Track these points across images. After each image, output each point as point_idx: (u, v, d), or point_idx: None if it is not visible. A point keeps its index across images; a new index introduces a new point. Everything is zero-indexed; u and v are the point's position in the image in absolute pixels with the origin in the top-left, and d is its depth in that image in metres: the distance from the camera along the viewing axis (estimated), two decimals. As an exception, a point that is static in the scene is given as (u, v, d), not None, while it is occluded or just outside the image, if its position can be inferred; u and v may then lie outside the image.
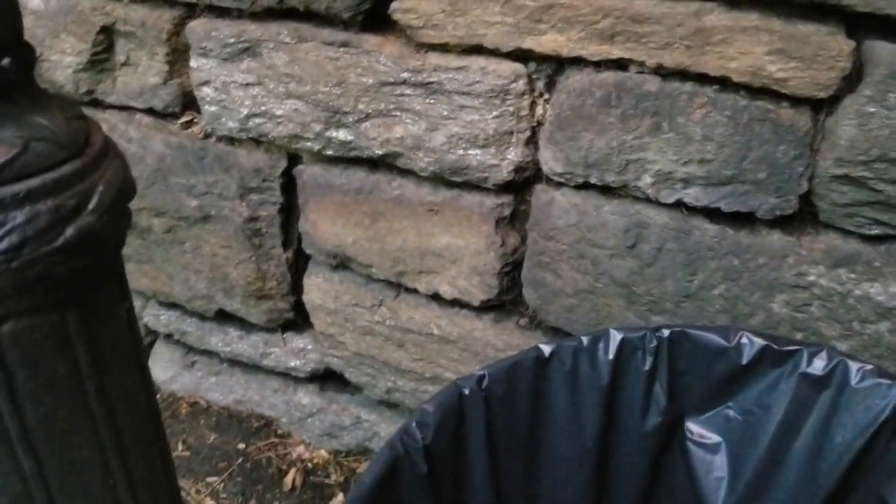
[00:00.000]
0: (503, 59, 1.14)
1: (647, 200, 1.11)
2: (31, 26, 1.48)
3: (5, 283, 0.63)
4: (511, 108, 1.14)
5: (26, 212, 0.62)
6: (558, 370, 0.81)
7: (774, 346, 0.80)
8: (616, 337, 0.83)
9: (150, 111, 1.49)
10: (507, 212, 1.23)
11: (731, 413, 0.82)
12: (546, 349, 0.82)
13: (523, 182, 1.21)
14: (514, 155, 1.17)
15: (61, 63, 1.48)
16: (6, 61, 0.62)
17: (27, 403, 0.69)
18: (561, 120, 1.12)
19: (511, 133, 1.16)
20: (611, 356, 0.82)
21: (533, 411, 0.81)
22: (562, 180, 1.16)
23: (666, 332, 0.82)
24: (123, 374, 0.75)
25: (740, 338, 0.81)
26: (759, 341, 0.80)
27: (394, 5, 1.17)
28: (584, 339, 0.83)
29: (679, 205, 1.10)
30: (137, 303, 1.71)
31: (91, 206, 0.66)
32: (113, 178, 0.69)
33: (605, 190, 1.14)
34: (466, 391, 0.77)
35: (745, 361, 0.80)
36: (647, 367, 0.82)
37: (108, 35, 1.43)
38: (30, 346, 0.67)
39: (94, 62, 1.46)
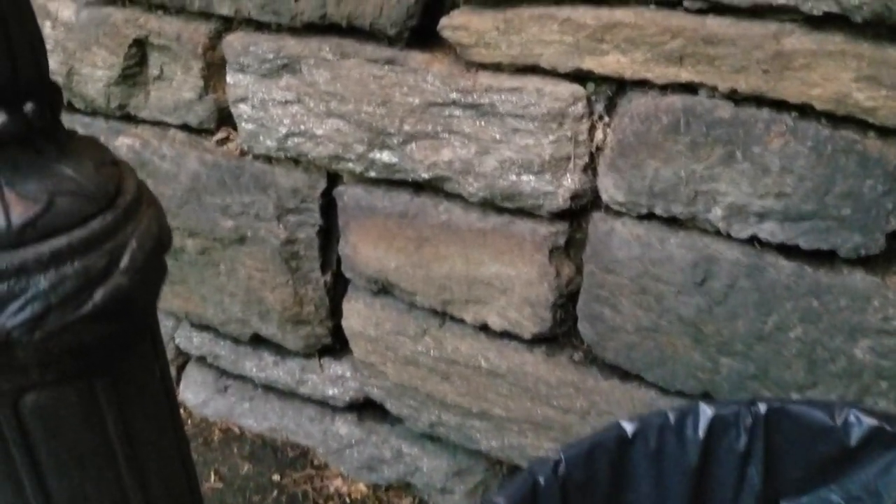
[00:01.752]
0: (560, 80, 1.06)
1: (718, 234, 1.03)
2: (61, 39, 1.43)
3: (27, 355, 0.57)
4: (569, 133, 1.06)
5: (51, 276, 0.56)
6: (642, 451, 0.72)
7: (888, 428, 0.70)
8: (707, 412, 0.74)
9: (184, 127, 1.43)
10: (561, 240, 1.15)
11: (835, 498, 0.73)
12: (629, 427, 0.73)
13: (579, 209, 1.13)
14: (571, 182, 1.09)
15: (92, 76, 1.43)
16: (29, 107, 0.55)
17: (53, 480, 0.63)
18: (623, 146, 1.03)
19: (568, 158, 1.08)
20: (701, 434, 0.73)
21: (614, 497, 0.73)
22: (623, 210, 1.07)
23: (763, 408, 0.74)
24: (157, 442, 0.69)
25: (847, 416, 0.72)
26: (870, 421, 0.71)
27: (443, 22, 1.10)
28: (671, 415, 0.75)
29: (753, 240, 1.01)
30: (169, 323, 1.66)
31: (122, 264, 0.60)
32: (147, 231, 0.63)
33: (671, 222, 1.05)
34: (541, 480, 0.68)
35: (852, 443, 0.71)
36: (741, 447, 0.73)
37: (141, 48, 1.38)
38: (54, 418, 0.61)
39: (126, 76, 1.40)
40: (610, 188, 1.07)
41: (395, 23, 1.13)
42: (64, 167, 0.58)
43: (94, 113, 1.49)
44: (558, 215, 1.13)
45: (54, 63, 1.42)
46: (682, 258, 1.05)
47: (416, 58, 1.15)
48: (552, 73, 1.06)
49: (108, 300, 0.59)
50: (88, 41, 1.40)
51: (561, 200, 1.10)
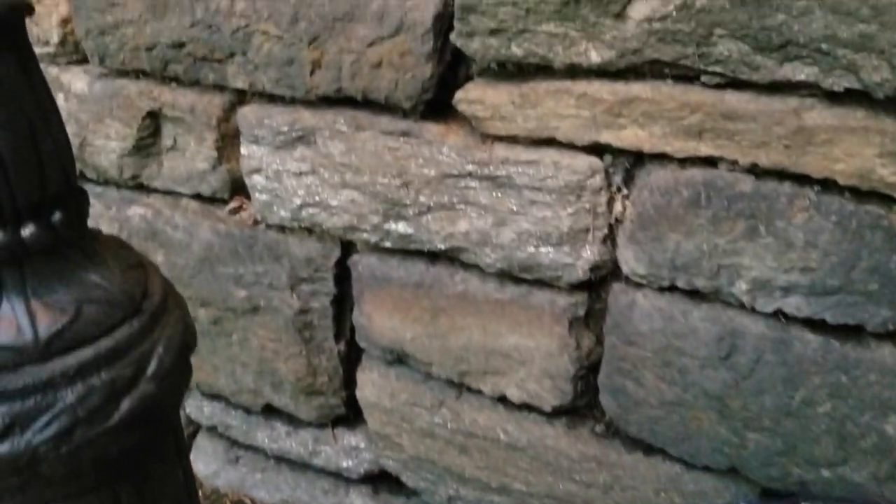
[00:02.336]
0: (577, 153, 1.06)
1: (742, 308, 1.01)
2: (74, 111, 1.43)
3: (53, 469, 0.55)
4: (587, 205, 1.06)
5: (78, 389, 0.55)
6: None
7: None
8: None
9: (196, 196, 1.43)
10: (581, 311, 1.13)
11: None
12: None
13: (599, 280, 1.12)
14: (591, 254, 1.08)
15: (105, 148, 1.43)
16: (57, 216, 0.54)
17: None
18: (644, 219, 1.03)
19: (587, 230, 1.07)
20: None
21: None
22: (644, 282, 1.06)
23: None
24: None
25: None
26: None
27: (458, 95, 1.10)
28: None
29: (778, 314, 1.00)
30: (181, 391, 1.63)
31: (149, 371, 0.58)
32: (173, 334, 0.61)
33: (694, 294, 1.04)
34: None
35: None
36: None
37: (154, 120, 1.38)
38: (79, 530, 0.59)
39: (139, 147, 1.40)
40: (630, 260, 1.06)
41: (411, 96, 1.13)
42: (91, 274, 0.57)
43: (106, 183, 1.49)
44: (577, 286, 1.12)
45: (67, 135, 1.42)
46: (706, 331, 1.03)
47: (432, 130, 1.15)
48: (569, 146, 1.06)
49: (135, 409, 0.57)
50: (102, 113, 1.41)
51: (580, 272, 1.09)
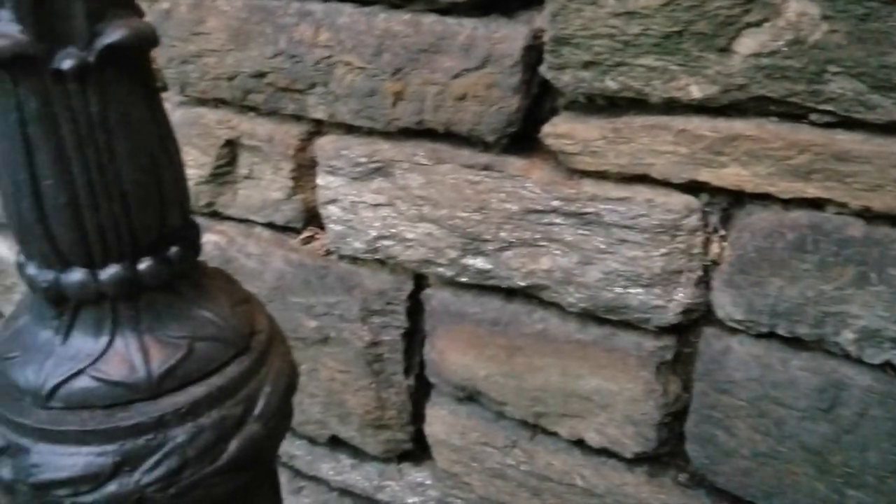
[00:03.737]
0: (671, 191, 1.02)
1: (847, 358, 0.96)
2: (154, 137, 1.44)
3: (158, 513, 0.53)
4: (682, 246, 1.02)
5: (188, 428, 0.52)
6: None
7: None
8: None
9: (270, 225, 1.42)
10: (669, 356, 1.09)
11: None
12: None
13: (689, 323, 1.07)
14: (683, 296, 1.04)
15: (182, 175, 1.43)
16: (174, 251, 0.53)
17: None
18: (744, 262, 0.98)
19: (680, 272, 1.03)
20: None
21: None
22: (740, 327, 1.02)
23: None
24: None
25: None
26: None
27: (545, 129, 1.08)
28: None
29: (886, 366, 0.94)
30: (244, 420, 1.62)
31: (257, 411, 0.56)
32: (279, 372, 0.59)
33: (795, 342, 0.99)
34: None
35: None
36: None
37: (232, 148, 1.38)
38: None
39: (216, 175, 1.41)
40: (727, 305, 1.01)
41: (495, 130, 1.11)
42: (203, 310, 0.55)
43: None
44: (666, 329, 1.08)
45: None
46: (807, 382, 0.98)
47: (515, 164, 1.13)
48: (663, 184, 1.02)
49: (242, 450, 0.55)
50: (180, 141, 1.40)
51: (671, 315, 1.05)
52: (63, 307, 0.52)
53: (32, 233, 0.50)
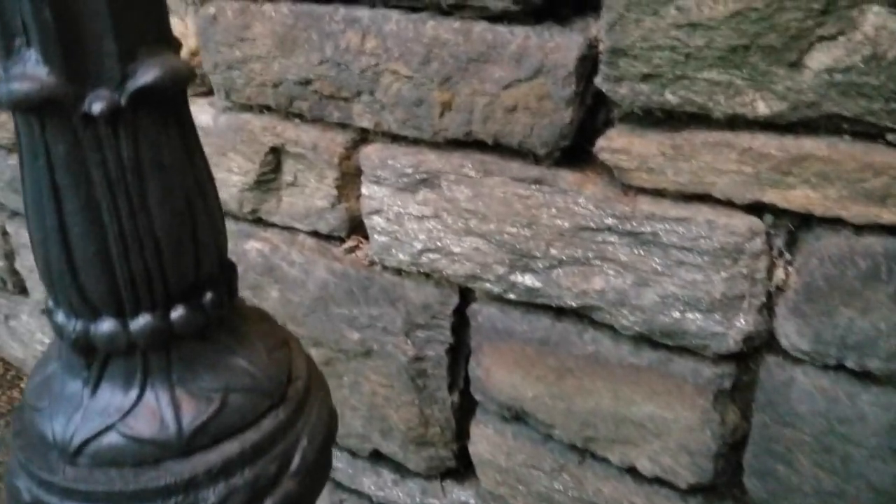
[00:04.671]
0: (734, 212, 0.96)
1: (924, 396, 0.90)
2: (198, 143, 1.42)
3: (189, 577, 0.50)
4: (744, 270, 0.96)
5: (220, 490, 0.49)
6: None
7: None
8: None
9: (313, 233, 1.40)
10: (727, 384, 1.03)
11: None
12: None
13: (750, 351, 1.01)
14: (745, 323, 0.98)
15: (227, 181, 1.42)
16: (209, 297, 0.50)
17: None
18: (811, 290, 0.92)
19: (742, 297, 0.97)
20: None
21: None
22: (806, 358, 0.96)
23: None
24: None
25: None
26: None
27: (600, 143, 1.02)
28: None
29: (969, 405, 0.87)
30: (286, 428, 1.60)
31: (293, 467, 0.53)
32: (317, 422, 0.56)
33: (865, 376, 0.93)
34: None
35: None
36: None
37: (276, 155, 1.35)
38: None
39: (260, 182, 1.38)
40: (792, 334, 0.95)
41: (547, 142, 1.06)
42: (238, 358, 0.52)
43: (224, 215, 1.47)
44: (725, 356, 1.02)
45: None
46: (877, 419, 0.92)
47: (567, 178, 1.08)
48: (725, 204, 0.96)
49: (277, 510, 0.52)
50: (225, 147, 1.39)
51: (731, 342, 0.99)
52: (92, 357, 0.49)
53: (61, 281, 0.47)
